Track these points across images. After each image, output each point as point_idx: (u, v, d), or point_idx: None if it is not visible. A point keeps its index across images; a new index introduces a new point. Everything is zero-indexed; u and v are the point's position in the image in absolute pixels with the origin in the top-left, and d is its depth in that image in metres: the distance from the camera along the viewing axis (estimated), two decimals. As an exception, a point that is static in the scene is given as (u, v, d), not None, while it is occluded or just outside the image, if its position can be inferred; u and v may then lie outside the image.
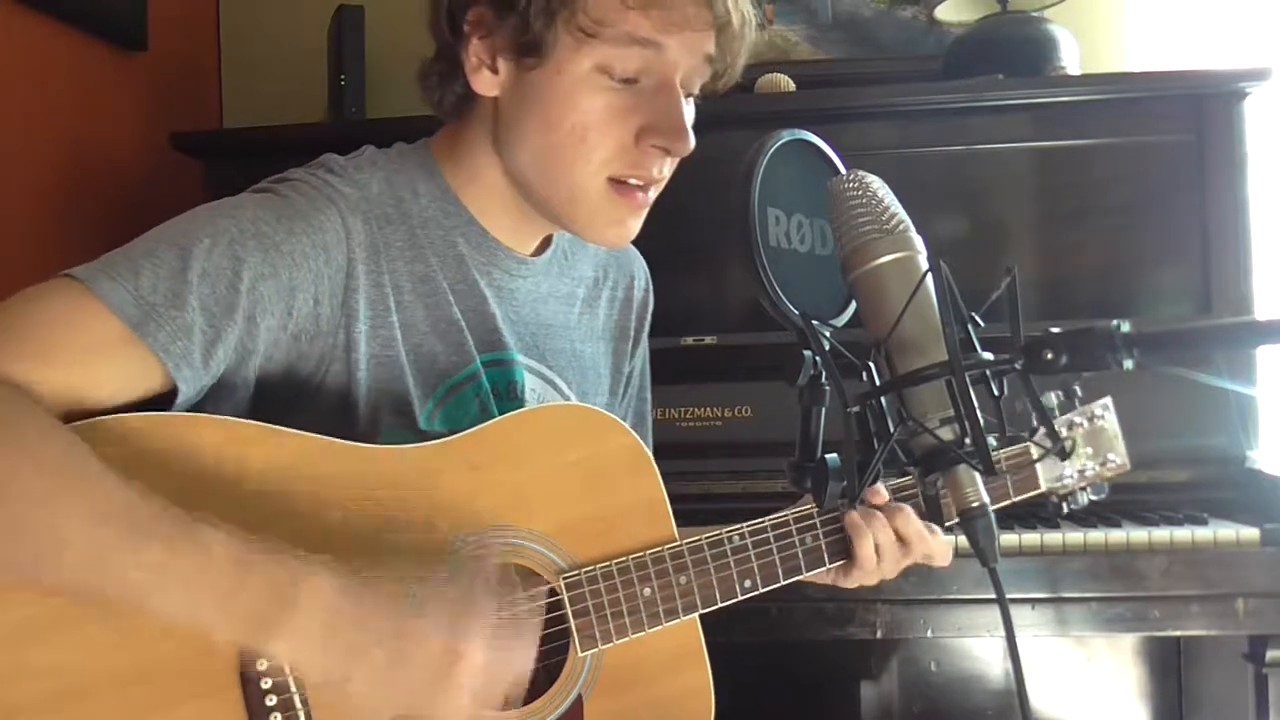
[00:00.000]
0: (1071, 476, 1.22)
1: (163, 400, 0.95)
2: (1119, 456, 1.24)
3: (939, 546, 1.14)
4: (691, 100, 1.08)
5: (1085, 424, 1.23)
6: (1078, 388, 1.20)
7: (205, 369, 0.95)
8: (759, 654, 1.98)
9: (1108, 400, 1.24)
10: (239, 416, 0.99)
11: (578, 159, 1.04)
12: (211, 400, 0.99)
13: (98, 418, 0.90)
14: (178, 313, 0.93)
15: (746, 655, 1.92)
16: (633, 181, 1.06)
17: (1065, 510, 1.22)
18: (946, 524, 1.13)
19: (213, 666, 0.90)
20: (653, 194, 1.09)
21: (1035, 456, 1.19)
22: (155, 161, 2.20)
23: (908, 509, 1.13)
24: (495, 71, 1.06)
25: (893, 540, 1.11)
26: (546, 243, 1.21)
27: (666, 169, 1.08)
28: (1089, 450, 1.23)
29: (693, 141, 1.05)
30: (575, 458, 1.05)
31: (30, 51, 1.90)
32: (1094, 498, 1.23)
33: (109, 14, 2.10)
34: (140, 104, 2.25)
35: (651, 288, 1.36)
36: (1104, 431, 1.23)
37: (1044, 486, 1.21)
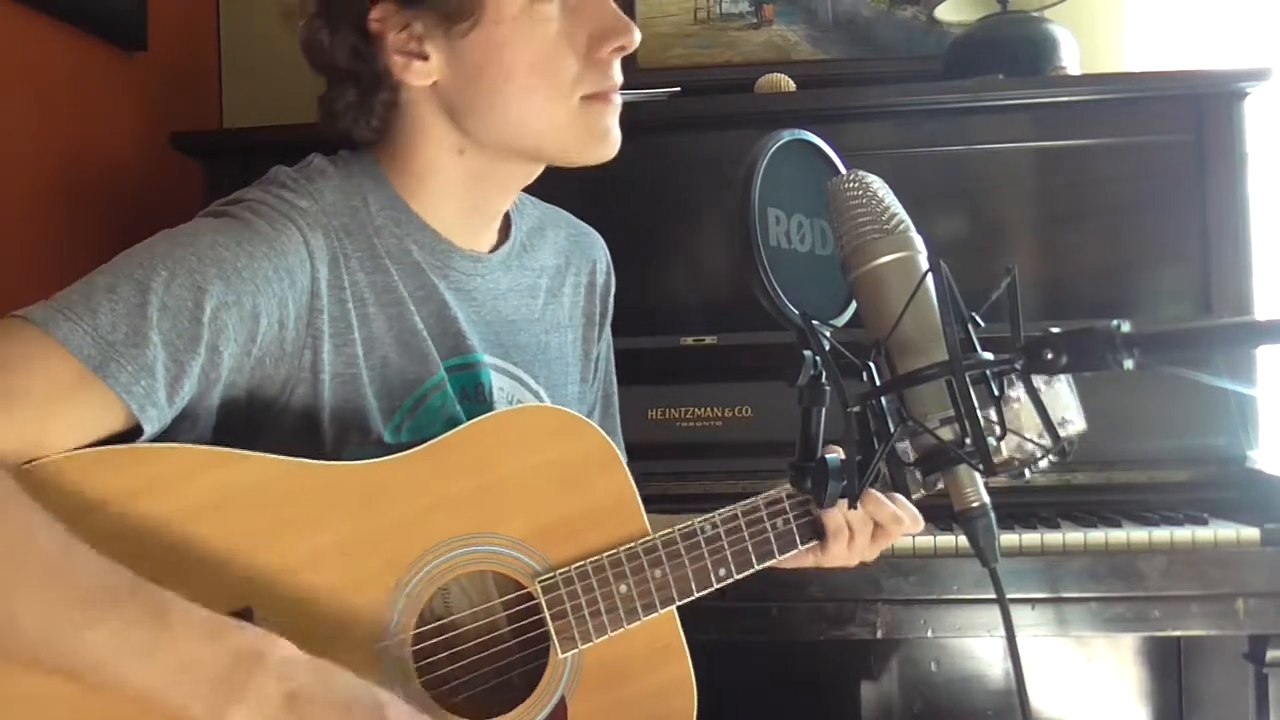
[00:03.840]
0: (1037, 442, 1.21)
1: (126, 439, 0.93)
2: (1075, 418, 1.23)
3: (910, 519, 1.14)
4: None
5: (1042, 388, 1.22)
6: None
7: (170, 405, 0.93)
8: (759, 653, 1.98)
9: None
10: (202, 443, 0.97)
11: (550, 92, 1.05)
12: (174, 429, 0.97)
13: (45, 459, 0.88)
14: (139, 351, 0.91)
15: (746, 655, 1.93)
16: (605, 89, 1.07)
17: (1027, 476, 1.21)
18: (914, 496, 1.13)
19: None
20: (619, 98, 1.10)
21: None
22: (155, 162, 2.19)
23: (876, 494, 1.12)
24: (425, 58, 1.05)
25: (863, 516, 1.11)
26: (504, 238, 1.20)
27: (620, 72, 1.09)
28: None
29: (638, 32, 1.07)
30: (543, 460, 1.05)
31: (30, 51, 1.90)
32: (1054, 459, 1.22)
33: (109, 14, 2.10)
34: (140, 104, 2.24)
35: (612, 270, 1.35)
36: (1060, 395, 1.22)
37: (1006, 455, 1.21)
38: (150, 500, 0.91)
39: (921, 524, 1.15)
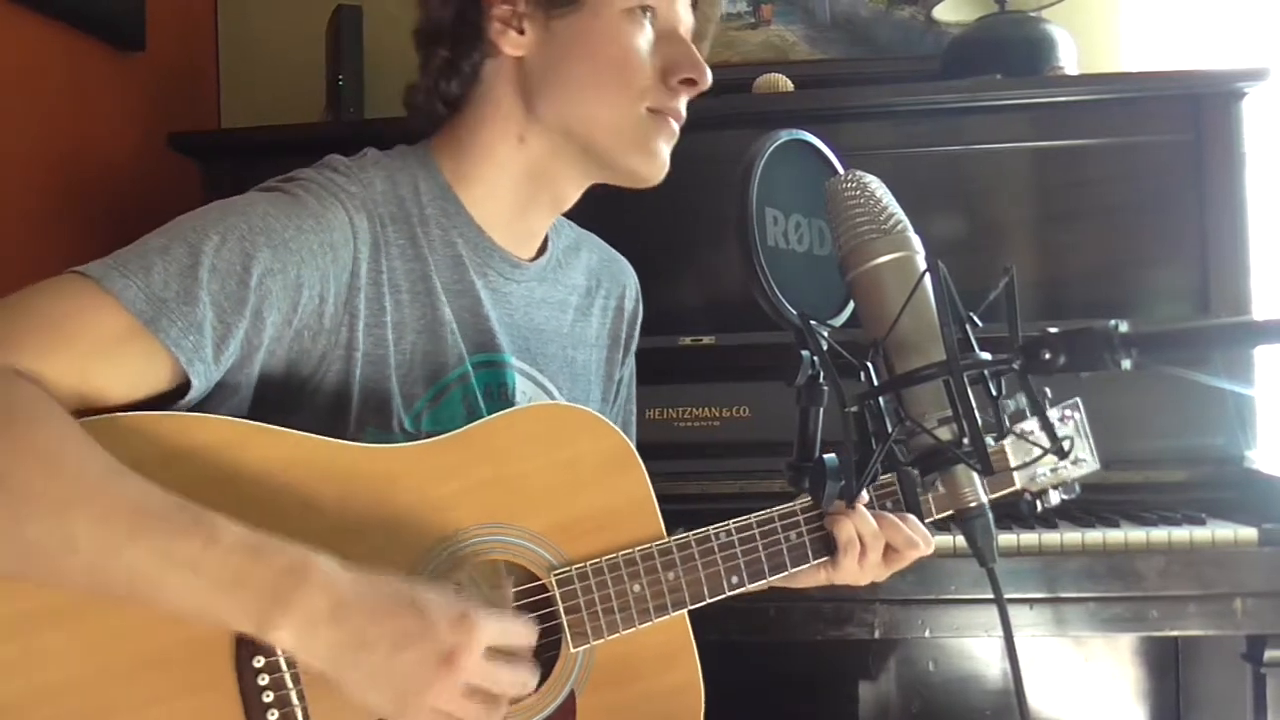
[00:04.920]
0: (1044, 475, 1.22)
1: (172, 396, 0.96)
2: (1089, 456, 1.24)
3: (924, 540, 1.14)
4: None
5: (1056, 423, 1.23)
6: (1047, 388, 1.20)
7: (216, 364, 0.96)
8: (757, 653, 1.98)
9: (1076, 400, 1.23)
10: (240, 416, 1.00)
11: (622, 87, 1.11)
12: (214, 400, 1.00)
13: (105, 415, 0.91)
14: (189, 308, 0.94)
15: (745, 654, 1.93)
16: (669, 108, 1.13)
17: (1038, 509, 1.21)
18: (927, 520, 1.14)
19: (209, 660, 0.91)
20: (678, 130, 1.15)
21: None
22: (152, 161, 2.19)
23: (892, 517, 1.13)
24: (521, 32, 1.12)
25: (875, 531, 1.11)
26: (542, 249, 1.23)
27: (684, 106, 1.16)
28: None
29: (710, 78, 1.13)
30: (564, 457, 1.06)
31: (28, 51, 1.90)
32: (1065, 497, 1.23)
33: (107, 14, 2.10)
34: (138, 104, 2.24)
35: (641, 298, 1.38)
36: (1074, 431, 1.23)
37: (1019, 485, 1.21)
38: (183, 468, 0.92)
39: (933, 546, 1.15)
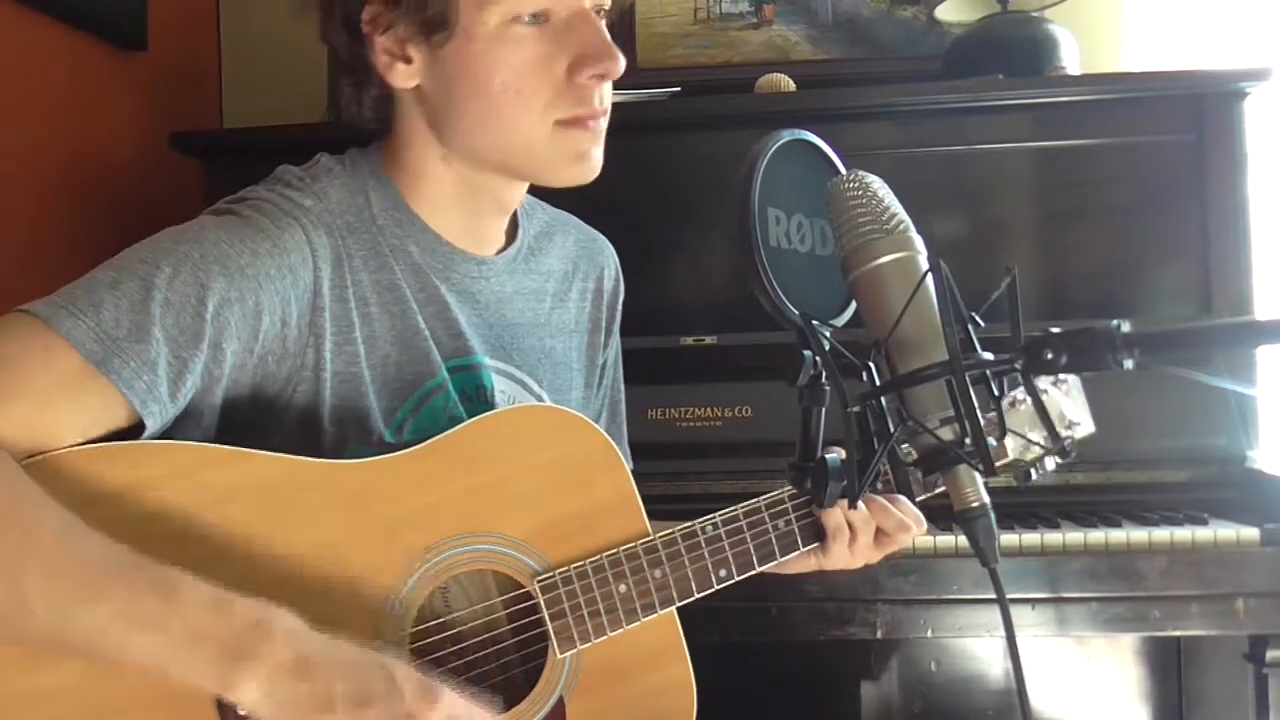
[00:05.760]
0: (1039, 444, 1.20)
1: (130, 434, 0.93)
2: (1085, 421, 1.22)
3: (915, 522, 1.13)
4: (604, 16, 1.08)
5: (1049, 389, 1.22)
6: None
7: (173, 402, 0.94)
8: (758, 653, 1.98)
9: None
10: (206, 441, 0.97)
11: (519, 113, 1.03)
12: (178, 427, 0.97)
13: (55, 452, 0.89)
14: (141, 346, 0.91)
15: (746, 655, 1.93)
16: (580, 115, 1.05)
17: (1034, 477, 1.20)
18: (917, 499, 1.13)
19: (190, 698, 0.89)
20: (603, 123, 1.08)
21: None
22: (154, 162, 2.19)
23: (882, 500, 1.11)
24: (409, 61, 1.05)
25: (865, 517, 1.10)
26: (510, 241, 1.20)
27: (607, 97, 1.07)
28: (1056, 416, 1.22)
29: (623, 61, 1.04)
30: (544, 459, 1.05)
31: (29, 51, 1.90)
32: (1060, 460, 1.21)
33: (109, 14, 2.10)
34: (140, 104, 2.24)
35: (621, 277, 1.35)
36: (1070, 397, 1.22)
37: (1011, 456, 1.21)
38: (148, 497, 0.91)
39: (925, 527, 1.14)
